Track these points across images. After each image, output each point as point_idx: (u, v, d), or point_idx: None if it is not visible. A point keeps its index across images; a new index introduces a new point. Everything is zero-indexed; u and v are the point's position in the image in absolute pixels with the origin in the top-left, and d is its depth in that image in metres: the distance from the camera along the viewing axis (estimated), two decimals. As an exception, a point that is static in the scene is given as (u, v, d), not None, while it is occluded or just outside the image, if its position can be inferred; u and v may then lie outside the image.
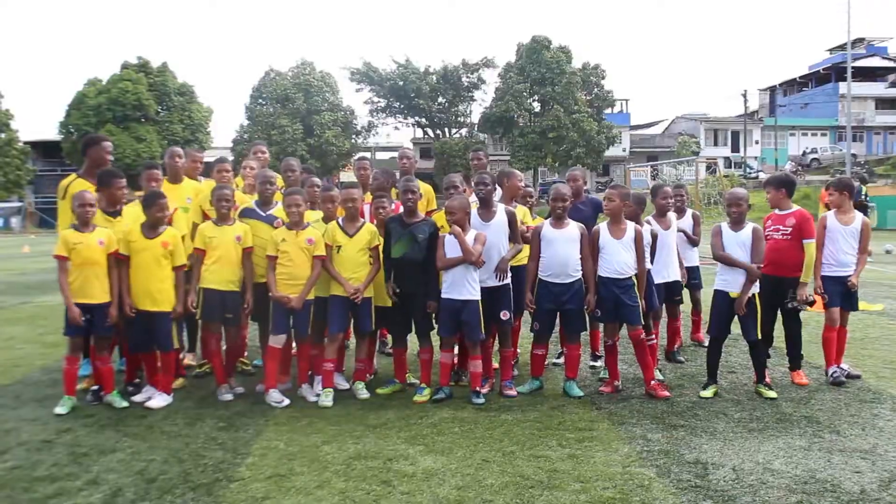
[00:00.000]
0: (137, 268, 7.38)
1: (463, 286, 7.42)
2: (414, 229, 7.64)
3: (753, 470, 5.55)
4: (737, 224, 7.68)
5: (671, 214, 8.86)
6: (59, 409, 7.16)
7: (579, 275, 7.72)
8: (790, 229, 7.94)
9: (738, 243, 7.59)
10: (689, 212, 9.80)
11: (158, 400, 7.38)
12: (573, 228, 7.73)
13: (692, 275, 9.68)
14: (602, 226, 7.87)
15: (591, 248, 7.76)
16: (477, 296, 7.48)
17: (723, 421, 6.78)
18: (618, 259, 7.65)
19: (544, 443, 6.21)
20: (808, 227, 7.95)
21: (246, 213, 8.06)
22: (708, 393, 7.61)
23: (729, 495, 5.10)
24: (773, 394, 7.53)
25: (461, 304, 7.42)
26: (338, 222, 7.71)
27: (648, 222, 8.47)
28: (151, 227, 7.43)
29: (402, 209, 7.86)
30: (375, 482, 5.38)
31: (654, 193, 8.98)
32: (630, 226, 7.77)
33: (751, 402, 7.37)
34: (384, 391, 7.83)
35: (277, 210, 7.97)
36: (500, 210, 7.80)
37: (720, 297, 7.72)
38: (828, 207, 8.79)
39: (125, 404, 7.35)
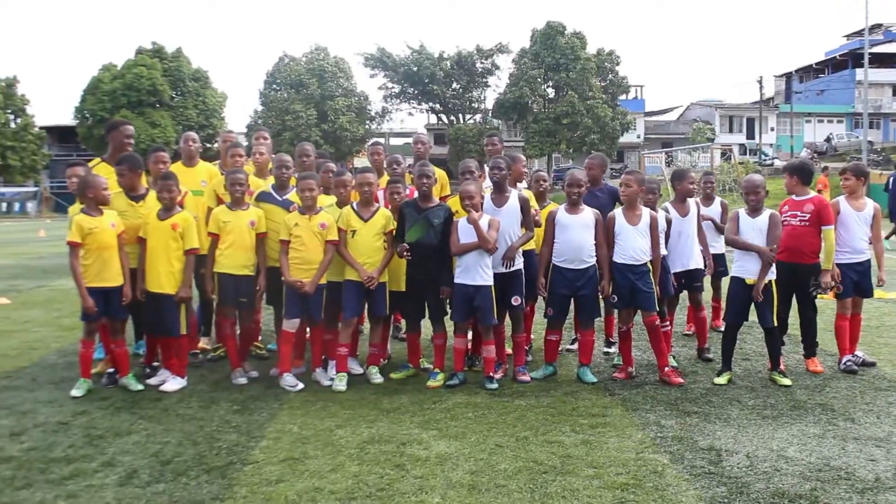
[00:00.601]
0: (149, 249, 7.42)
1: (476, 272, 7.40)
2: (429, 214, 7.62)
3: (767, 457, 5.53)
4: (755, 211, 7.63)
5: (692, 201, 8.75)
6: (75, 392, 7.22)
7: (593, 261, 7.69)
8: (808, 215, 7.89)
9: (756, 230, 7.54)
10: (718, 199, 9.70)
11: (173, 383, 7.41)
12: (588, 214, 7.70)
13: (718, 262, 9.60)
14: (617, 212, 7.83)
15: (606, 234, 7.73)
16: (490, 281, 7.46)
17: (737, 408, 6.76)
18: (633, 245, 7.62)
19: (558, 428, 6.21)
20: (827, 213, 7.89)
21: (262, 197, 8.08)
22: (722, 380, 7.58)
23: (742, 482, 5.09)
24: (787, 381, 7.49)
25: (474, 289, 7.41)
26: (352, 207, 7.69)
27: (666, 209, 8.39)
28: (165, 209, 7.45)
29: (416, 194, 7.85)
30: (389, 466, 5.39)
31: (678, 178, 8.79)
32: (645, 212, 7.73)
33: (765, 390, 7.35)
34: (398, 376, 7.85)
35: (294, 194, 7.97)
36: (514, 195, 7.77)
37: (736, 283, 7.67)
38: (819, 192, 8.68)
39: (140, 387, 7.39)
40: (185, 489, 5.04)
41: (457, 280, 7.50)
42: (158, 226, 7.40)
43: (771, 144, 74.98)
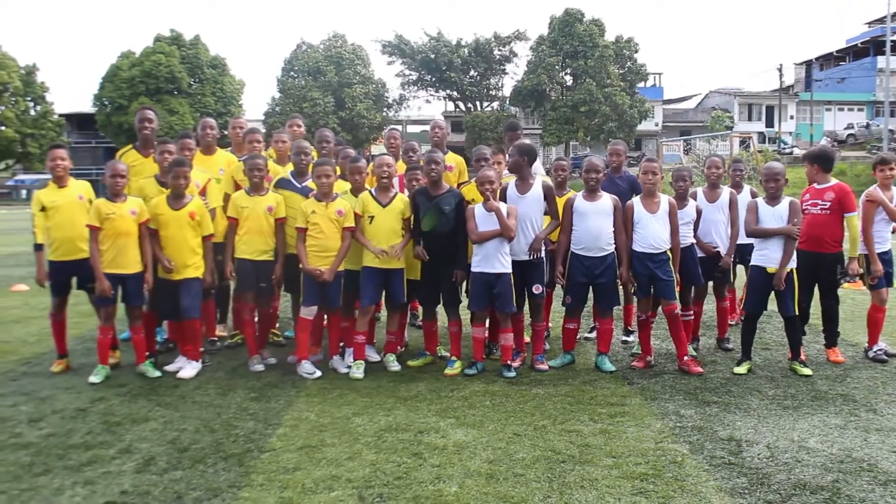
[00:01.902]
0: (166, 239, 7.41)
1: (496, 259, 7.35)
2: (440, 201, 7.57)
3: (788, 448, 5.48)
4: (773, 199, 7.54)
5: (725, 189, 8.64)
6: (93, 378, 7.25)
7: (612, 248, 7.64)
8: (829, 203, 7.78)
9: (775, 218, 7.44)
10: (748, 188, 9.55)
11: (189, 369, 7.43)
12: (606, 201, 7.64)
13: (746, 251, 9.47)
14: (636, 200, 7.76)
15: (624, 221, 7.66)
16: (509, 268, 7.41)
17: (757, 398, 6.71)
18: (652, 233, 7.55)
19: (576, 417, 6.17)
20: (849, 200, 7.76)
21: (282, 184, 8.05)
22: (742, 369, 7.53)
23: (763, 473, 5.04)
24: (808, 371, 7.43)
25: (494, 277, 7.36)
26: (371, 192, 7.66)
27: (693, 197, 8.30)
28: (175, 198, 7.44)
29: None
30: (406, 454, 5.38)
31: (704, 164, 8.87)
32: (664, 199, 7.65)
33: (785, 380, 7.28)
34: (415, 363, 7.84)
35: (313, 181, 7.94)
36: (537, 183, 7.71)
37: (757, 272, 7.59)
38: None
39: (157, 374, 7.42)
40: (203, 476, 5.04)
41: (475, 269, 7.46)
42: (174, 215, 7.39)
43: (790, 133, 74.38)
